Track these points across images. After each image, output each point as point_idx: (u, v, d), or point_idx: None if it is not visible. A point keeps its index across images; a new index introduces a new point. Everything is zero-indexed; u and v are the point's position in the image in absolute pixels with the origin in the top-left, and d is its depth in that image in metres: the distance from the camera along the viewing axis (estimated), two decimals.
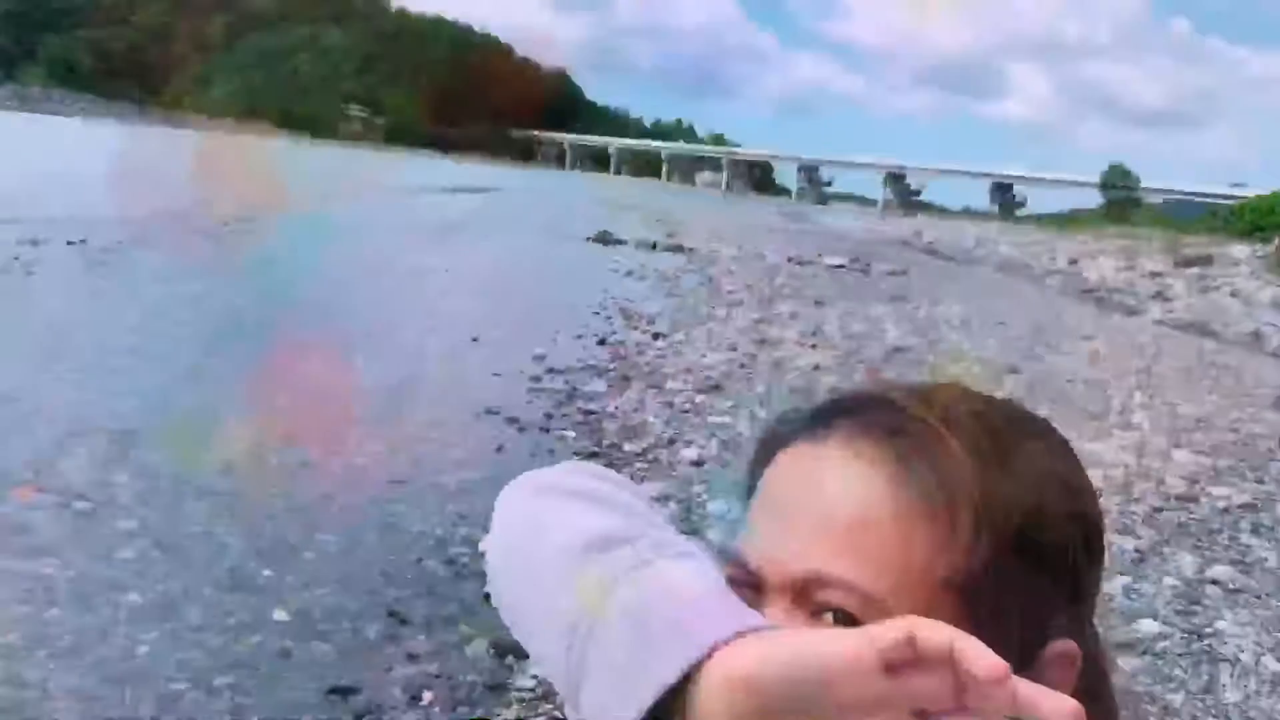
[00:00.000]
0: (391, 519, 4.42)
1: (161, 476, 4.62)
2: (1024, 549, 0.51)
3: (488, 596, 0.58)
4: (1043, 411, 0.60)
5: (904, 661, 0.39)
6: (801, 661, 0.40)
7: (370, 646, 3.33)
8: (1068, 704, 0.38)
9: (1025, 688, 0.38)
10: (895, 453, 0.53)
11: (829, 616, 0.51)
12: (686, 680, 0.42)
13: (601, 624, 0.46)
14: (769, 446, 0.59)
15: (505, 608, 0.55)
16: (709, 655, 0.42)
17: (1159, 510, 5.21)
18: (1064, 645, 0.53)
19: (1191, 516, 5.19)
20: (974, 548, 0.50)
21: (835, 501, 0.53)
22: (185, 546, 3.94)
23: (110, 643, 3.18)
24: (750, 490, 0.59)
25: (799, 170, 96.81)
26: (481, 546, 3.98)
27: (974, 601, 0.50)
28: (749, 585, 0.53)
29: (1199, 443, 6.80)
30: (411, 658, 3.26)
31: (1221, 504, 5.38)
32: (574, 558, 0.49)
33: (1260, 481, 5.96)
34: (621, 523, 0.51)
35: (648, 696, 0.42)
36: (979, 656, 0.37)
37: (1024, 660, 0.50)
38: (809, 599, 0.52)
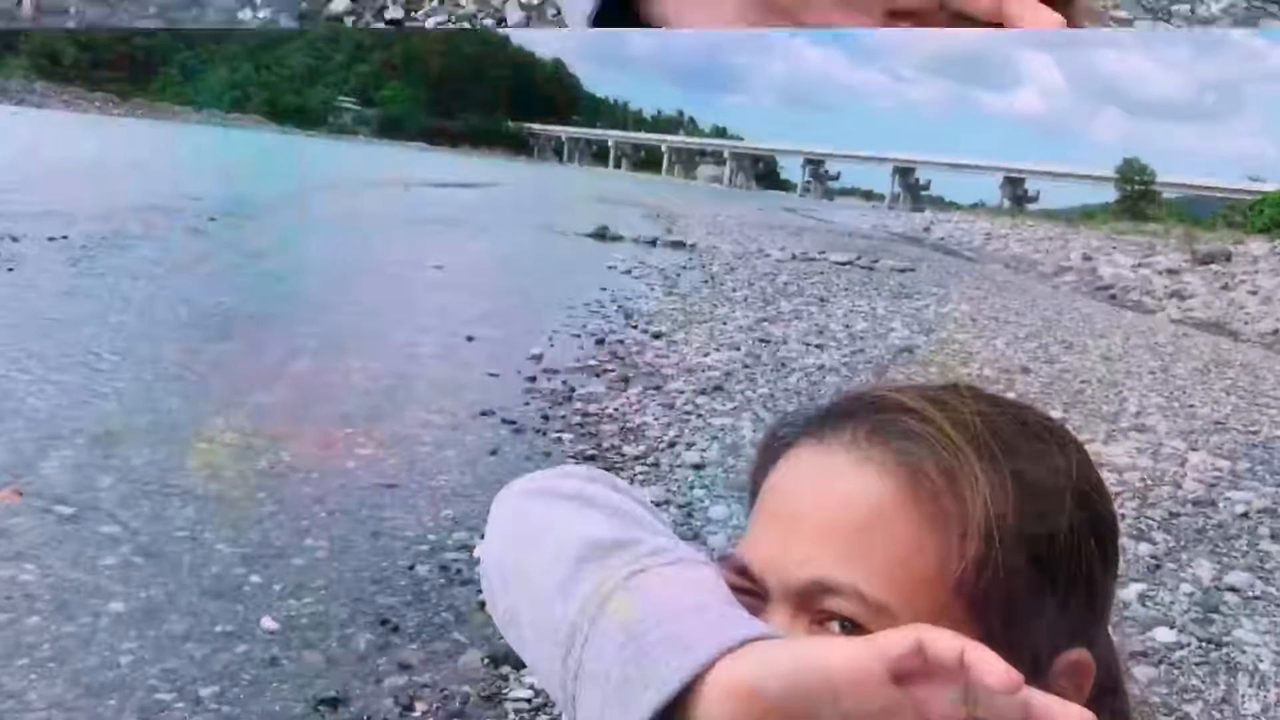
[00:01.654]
0: (383, 524, 4.37)
1: (145, 480, 4.57)
2: (1036, 556, 0.51)
3: (482, 604, 0.48)
4: (1055, 413, 0.49)
5: (912, 671, 0.39)
6: (806, 671, 0.39)
7: (360, 656, 3.27)
8: (1082, 715, 0.38)
9: (1038, 698, 0.38)
10: (903, 456, 0.52)
11: (834, 625, 0.50)
12: (687, 690, 0.41)
13: (599, 633, 0.45)
14: (772, 449, 0.58)
15: (501, 615, 0.54)
16: (711, 665, 0.41)
17: (1175, 515, 5.15)
18: (1077, 654, 0.53)
19: (1209, 521, 5.13)
20: (985, 554, 0.50)
21: (841, 506, 0.52)
22: (170, 552, 3.89)
23: (92, 652, 3.14)
24: (753, 494, 0.58)
25: (804, 164, 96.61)
26: (476, 552, 3.90)
27: (985, 610, 0.50)
28: (751, 592, 0.52)
29: (1217, 445, 6.73)
30: (403, 667, 3.21)
31: (1240, 509, 5.31)
32: (571, 564, 0.49)
33: None
34: (619, 528, 0.51)
35: (647, 708, 0.41)
36: (990, 666, 0.37)
37: (1036, 669, 0.50)
38: (814, 606, 0.51)
